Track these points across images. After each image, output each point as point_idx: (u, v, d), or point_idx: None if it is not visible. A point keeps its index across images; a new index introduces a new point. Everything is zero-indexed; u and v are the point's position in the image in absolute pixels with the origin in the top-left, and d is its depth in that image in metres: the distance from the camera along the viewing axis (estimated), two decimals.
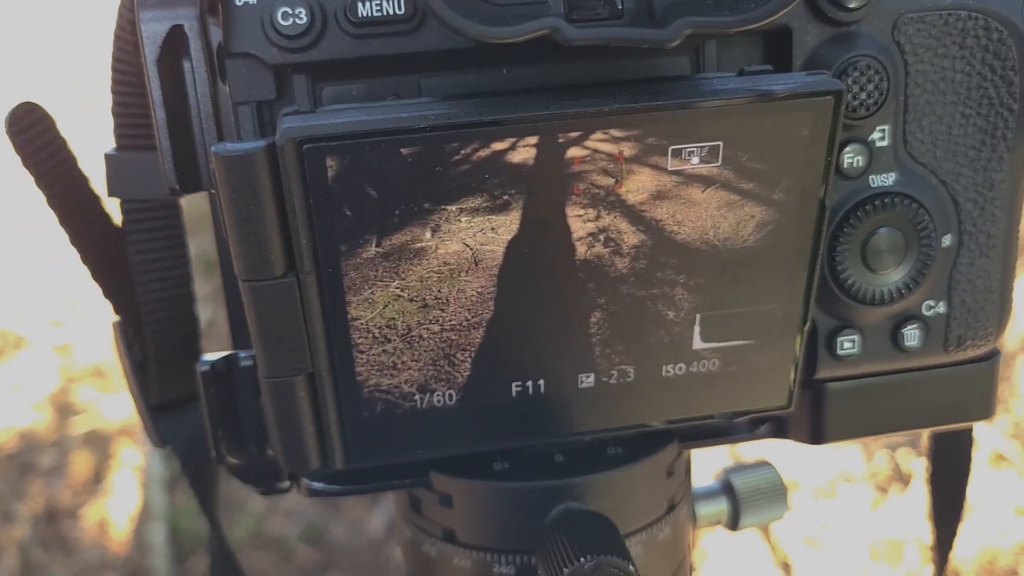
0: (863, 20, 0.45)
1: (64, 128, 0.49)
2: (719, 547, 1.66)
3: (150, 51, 0.41)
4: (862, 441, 1.83)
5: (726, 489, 0.58)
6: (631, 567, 0.43)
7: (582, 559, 0.43)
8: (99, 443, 1.89)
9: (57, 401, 1.98)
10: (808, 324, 0.45)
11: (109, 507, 1.79)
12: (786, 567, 1.65)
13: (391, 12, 0.41)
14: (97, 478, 1.84)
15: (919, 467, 1.76)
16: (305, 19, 0.41)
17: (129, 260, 0.48)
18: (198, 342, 0.51)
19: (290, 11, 0.41)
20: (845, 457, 1.78)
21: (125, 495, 1.82)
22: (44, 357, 2.08)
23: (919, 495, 1.71)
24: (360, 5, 0.41)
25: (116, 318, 0.50)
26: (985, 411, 0.52)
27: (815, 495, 1.74)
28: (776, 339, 0.45)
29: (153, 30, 0.41)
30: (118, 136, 0.47)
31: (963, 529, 0.64)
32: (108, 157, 0.47)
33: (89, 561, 1.72)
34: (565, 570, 0.43)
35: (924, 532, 1.67)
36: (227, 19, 0.41)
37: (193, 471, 0.51)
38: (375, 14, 0.41)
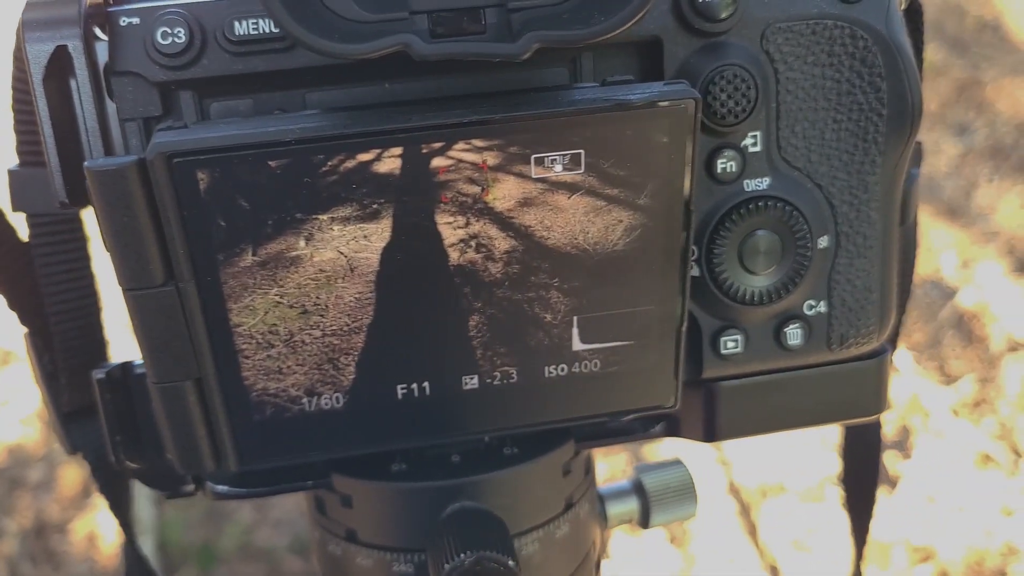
0: (732, 31, 0.46)
1: None
2: (707, 551, 1.67)
3: (36, 71, 0.42)
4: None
5: (636, 488, 0.59)
6: (510, 562, 0.44)
7: (463, 555, 0.44)
8: None
9: (45, 416, 1.99)
10: (686, 324, 0.47)
11: (98, 521, 1.80)
12: (774, 570, 1.65)
13: (267, 31, 0.43)
14: (86, 492, 1.84)
15: (905, 470, 1.76)
16: (184, 38, 0.42)
17: (36, 273, 0.50)
18: (105, 350, 0.52)
19: (169, 30, 0.42)
20: (832, 460, 1.78)
21: None
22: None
23: (907, 498, 1.71)
24: (237, 24, 0.43)
25: (24, 329, 0.51)
26: (876, 407, 0.53)
27: (802, 498, 1.74)
28: (655, 339, 0.47)
29: (38, 51, 0.42)
30: (19, 153, 0.48)
31: (875, 523, 0.65)
32: (11, 173, 0.48)
33: (78, 575, 1.73)
34: (446, 566, 0.44)
35: (912, 534, 1.66)
36: (112, 39, 0.43)
37: (102, 477, 0.52)
38: (252, 32, 0.43)
